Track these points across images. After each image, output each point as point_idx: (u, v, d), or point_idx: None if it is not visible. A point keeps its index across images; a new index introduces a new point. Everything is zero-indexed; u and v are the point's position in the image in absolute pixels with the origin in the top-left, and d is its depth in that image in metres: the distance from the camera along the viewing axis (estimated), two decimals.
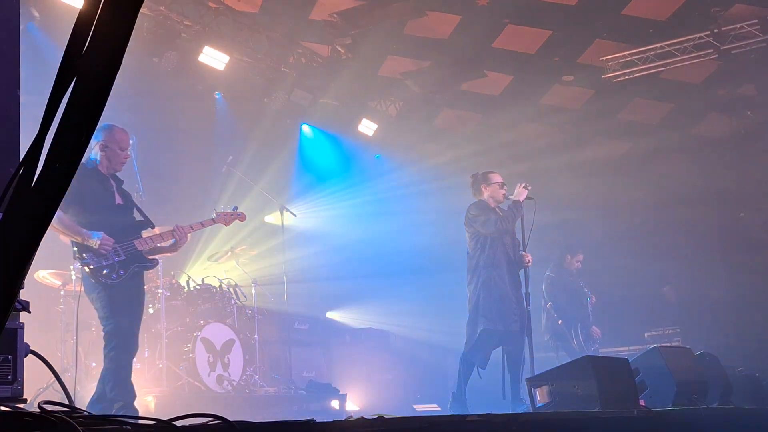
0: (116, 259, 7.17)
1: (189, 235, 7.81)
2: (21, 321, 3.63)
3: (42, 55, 10.33)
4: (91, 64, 1.69)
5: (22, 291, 2.70)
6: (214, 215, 8.34)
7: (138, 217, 7.61)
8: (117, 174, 7.63)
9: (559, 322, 12.84)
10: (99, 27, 1.69)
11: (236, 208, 8.59)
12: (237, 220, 8.58)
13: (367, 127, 15.18)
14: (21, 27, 3.50)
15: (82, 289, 7.29)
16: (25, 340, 3.63)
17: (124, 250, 7.26)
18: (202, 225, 8.09)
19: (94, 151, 7.47)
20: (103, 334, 7.22)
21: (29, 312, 3.58)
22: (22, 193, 1.73)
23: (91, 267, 7.10)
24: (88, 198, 7.24)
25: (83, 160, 7.27)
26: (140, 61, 11.34)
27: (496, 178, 10.01)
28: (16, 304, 3.40)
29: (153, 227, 7.67)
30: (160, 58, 11.60)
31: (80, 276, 7.38)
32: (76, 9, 10.02)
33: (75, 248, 7.19)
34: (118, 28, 1.69)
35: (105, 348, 7.15)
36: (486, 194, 9.90)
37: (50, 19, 10.45)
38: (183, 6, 11.79)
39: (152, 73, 11.72)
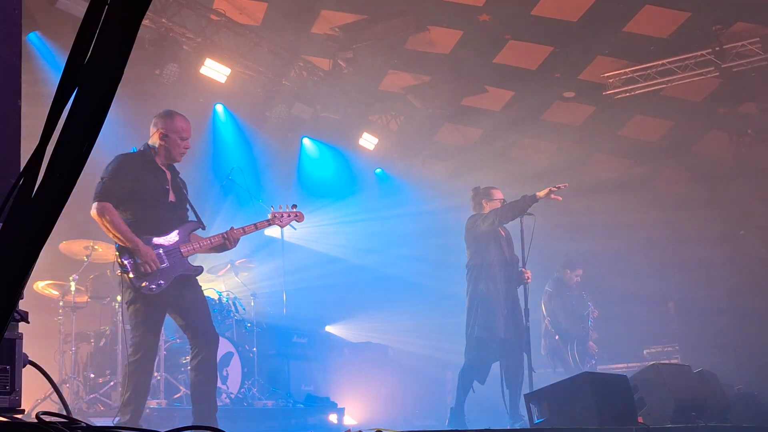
0: (159, 266, 6.89)
1: (239, 239, 7.43)
2: (20, 331, 3.62)
3: (43, 66, 10.36)
4: (93, 74, 1.69)
5: (21, 301, 2.70)
6: (269, 216, 7.74)
7: (190, 215, 7.32)
8: (174, 164, 7.32)
9: (556, 337, 12.82)
10: (101, 38, 1.69)
11: (295, 206, 7.99)
12: (295, 221, 7.99)
13: (368, 141, 15.17)
14: (23, 37, 3.51)
15: (122, 294, 7.01)
16: (24, 351, 3.62)
17: (169, 255, 6.97)
18: (256, 227, 7.53)
19: (152, 139, 7.19)
20: (129, 343, 6.97)
21: (28, 322, 3.57)
22: (22, 204, 1.73)
23: (131, 276, 6.81)
24: (140, 193, 6.98)
25: (141, 148, 7.15)
26: (142, 72, 11.34)
27: (498, 194, 9.96)
28: (15, 314, 3.40)
29: (204, 228, 7.35)
30: (162, 70, 11.60)
31: (119, 278, 7.00)
32: (78, 19, 10.05)
33: (117, 252, 6.89)
34: (120, 39, 1.69)
35: (129, 357, 6.94)
36: (487, 209, 9.87)
37: (52, 29, 10.47)
38: (185, 18, 11.81)
39: (154, 85, 11.72)
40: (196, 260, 8.50)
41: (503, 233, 9.88)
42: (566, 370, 12.56)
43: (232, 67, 12.47)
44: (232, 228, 7.44)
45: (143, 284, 6.83)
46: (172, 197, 7.21)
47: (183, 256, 7.11)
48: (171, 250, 7.03)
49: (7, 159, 3.40)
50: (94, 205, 6.83)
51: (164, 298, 6.98)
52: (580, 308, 13.17)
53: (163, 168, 7.22)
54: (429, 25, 12.37)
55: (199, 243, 7.26)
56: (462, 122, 15.70)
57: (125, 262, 6.83)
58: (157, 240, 6.98)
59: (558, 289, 13.14)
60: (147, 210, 7.02)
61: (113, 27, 1.68)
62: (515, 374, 9.43)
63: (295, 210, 7.99)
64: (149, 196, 7.07)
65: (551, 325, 12.95)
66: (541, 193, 9.41)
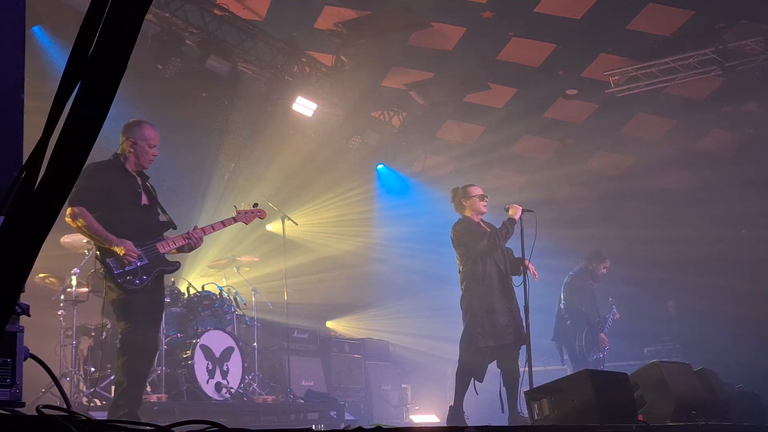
0: (139, 264, 7.07)
1: (203, 237, 7.66)
2: (21, 324, 3.62)
3: (47, 58, 10.35)
4: (96, 67, 1.69)
5: (22, 295, 2.70)
6: (234, 213, 8.09)
7: (161, 216, 7.53)
8: (144, 171, 7.55)
9: (568, 322, 12.79)
10: (105, 31, 1.69)
11: (257, 205, 8.30)
12: (257, 218, 8.31)
13: (370, 137, 15.14)
14: (26, 30, 3.50)
15: (107, 292, 7.17)
16: (25, 344, 3.62)
17: (147, 253, 7.17)
18: (223, 224, 7.86)
19: (122, 147, 7.41)
20: (118, 338, 7.14)
21: (29, 316, 3.57)
22: (25, 196, 1.73)
23: (114, 272, 7.00)
24: (114, 197, 7.21)
25: (111, 156, 7.32)
26: (144, 67, 11.32)
27: (476, 190, 9.90)
28: (17, 307, 3.40)
29: (175, 227, 7.57)
30: (165, 65, 11.59)
31: (103, 279, 7.23)
32: (82, 12, 10.04)
33: (98, 252, 7.11)
34: (124, 32, 1.69)
35: (119, 352, 7.07)
36: (467, 209, 9.81)
37: (56, 23, 10.45)
38: (188, 13, 11.79)
39: (156, 80, 11.70)
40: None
41: (490, 230, 9.78)
42: (571, 356, 12.57)
43: (234, 62, 12.46)
44: (195, 227, 7.74)
45: (127, 278, 7.05)
46: (144, 200, 7.46)
47: (160, 253, 7.34)
48: (148, 249, 7.26)
49: (10, 152, 3.39)
50: (68, 210, 7.04)
51: (145, 293, 7.17)
52: (602, 306, 13.17)
53: (134, 173, 7.46)
54: (432, 21, 12.36)
55: (173, 241, 7.49)
56: (464, 119, 15.68)
57: (108, 260, 7.06)
58: (133, 240, 7.16)
59: (581, 276, 13.13)
60: (121, 213, 7.24)
61: (117, 20, 1.68)
62: (513, 372, 9.39)
63: (257, 209, 8.31)
64: (123, 199, 7.31)
65: (565, 308, 12.91)
66: (516, 215, 9.54)
